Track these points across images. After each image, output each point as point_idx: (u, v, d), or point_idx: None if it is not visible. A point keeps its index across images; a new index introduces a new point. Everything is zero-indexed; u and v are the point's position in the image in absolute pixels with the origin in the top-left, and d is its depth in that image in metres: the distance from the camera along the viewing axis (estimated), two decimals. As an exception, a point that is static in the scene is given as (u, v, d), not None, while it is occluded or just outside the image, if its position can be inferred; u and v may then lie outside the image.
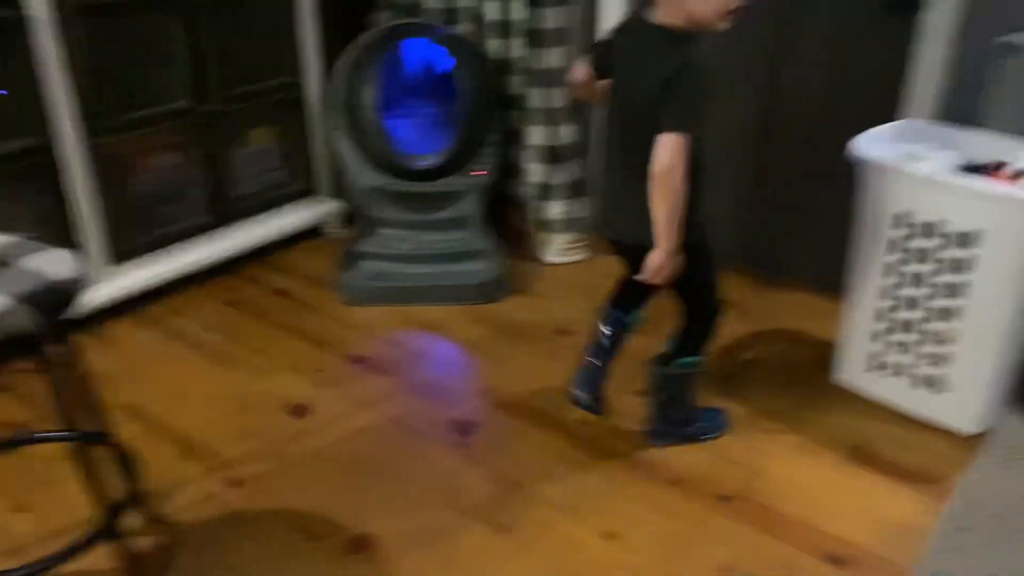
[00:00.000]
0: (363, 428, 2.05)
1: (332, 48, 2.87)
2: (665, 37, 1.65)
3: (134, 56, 2.38)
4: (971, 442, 1.99)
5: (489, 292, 2.58)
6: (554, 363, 2.29)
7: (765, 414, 2.10)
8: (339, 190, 2.97)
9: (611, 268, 2.77)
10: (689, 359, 1.95)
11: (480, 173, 2.77)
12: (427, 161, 2.77)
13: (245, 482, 1.88)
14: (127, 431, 2.00)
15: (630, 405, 2.10)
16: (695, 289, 1.89)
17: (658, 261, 1.68)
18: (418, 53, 3.10)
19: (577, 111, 2.88)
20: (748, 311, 2.55)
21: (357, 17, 3.07)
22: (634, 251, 1.76)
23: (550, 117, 2.75)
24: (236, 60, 2.60)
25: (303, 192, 2.93)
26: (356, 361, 2.31)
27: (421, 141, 2.92)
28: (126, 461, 1.67)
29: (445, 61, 2.87)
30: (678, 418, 2.01)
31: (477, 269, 2.64)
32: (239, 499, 1.83)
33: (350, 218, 2.98)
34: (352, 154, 2.80)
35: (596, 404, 2.04)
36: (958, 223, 1.84)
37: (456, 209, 2.71)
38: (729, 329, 2.42)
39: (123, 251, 2.47)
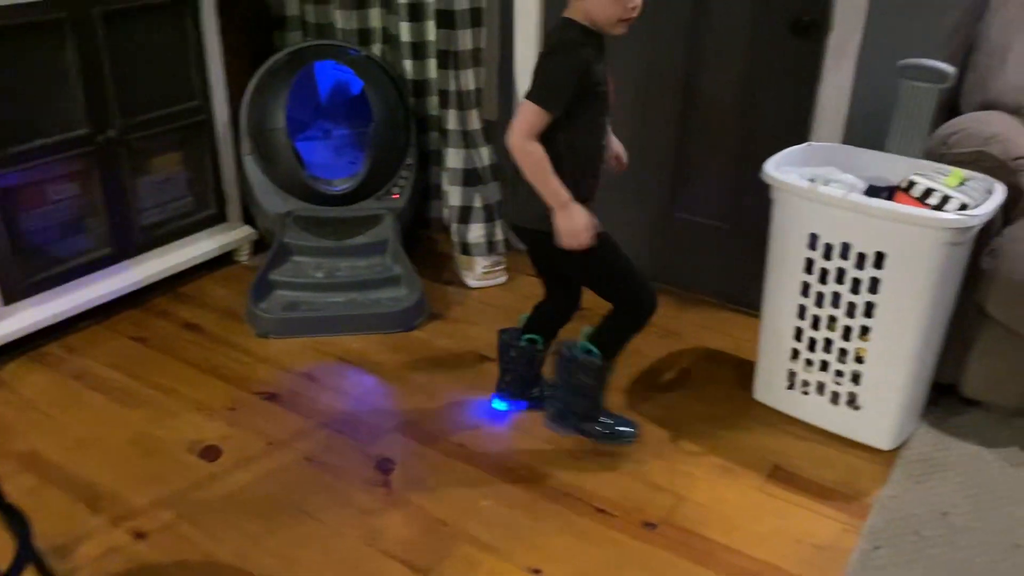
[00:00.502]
0: (278, 469, 1.97)
1: (240, 70, 2.78)
2: (561, 24, 1.77)
3: (23, 84, 2.25)
4: (888, 458, 2.02)
5: (408, 319, 2.53)
6: (476, 391, 2.25)
7: (687, 436, 2.10)
8: (250, 216, 2.87)
9: (533, 290, 2.77)
10: (599, 352, 1.96)
11: (395, 196, 2.73)
12: (340, 185, 2.71)
13: (152, 532, 1.77)
14: (22, 483, 1.88)
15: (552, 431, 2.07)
16: (607, 280, 1.93)
17: (561, 221, 1.75)
18: (330, 74, 3.04)
19: (493, 132, 2.86)
20: (668, 331, 2.55)
21: (265, 38, 2.99)
22: (532, 236, 1.88)
23: (468, 139, 2.71)
24: (138, 85, 2.49)
25: (213, 219, 2.83)
26: (270, 397, 2.22)
27: (334, 165, 2.86)
28: (15, 519, 1.56)
29: (357, 83, 2.82)
30: (576, 410, 2.04)
31: (395, 296, 2.58)
32: (147, 551, 1.73)
33: (262, 245, 2.89)
34: (262, 179, 2.72)
35: (530, 395, 2.17)
36: (864, 244, 1.88)
37: (372, 234, 2.65)
38: (649, 349, 2.44)
39: (15, 289, 2.33)
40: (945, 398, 2.17)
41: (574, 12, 1.74)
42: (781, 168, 2.03)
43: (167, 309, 2.63)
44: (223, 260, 2.88)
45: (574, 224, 1.75)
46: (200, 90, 2.67)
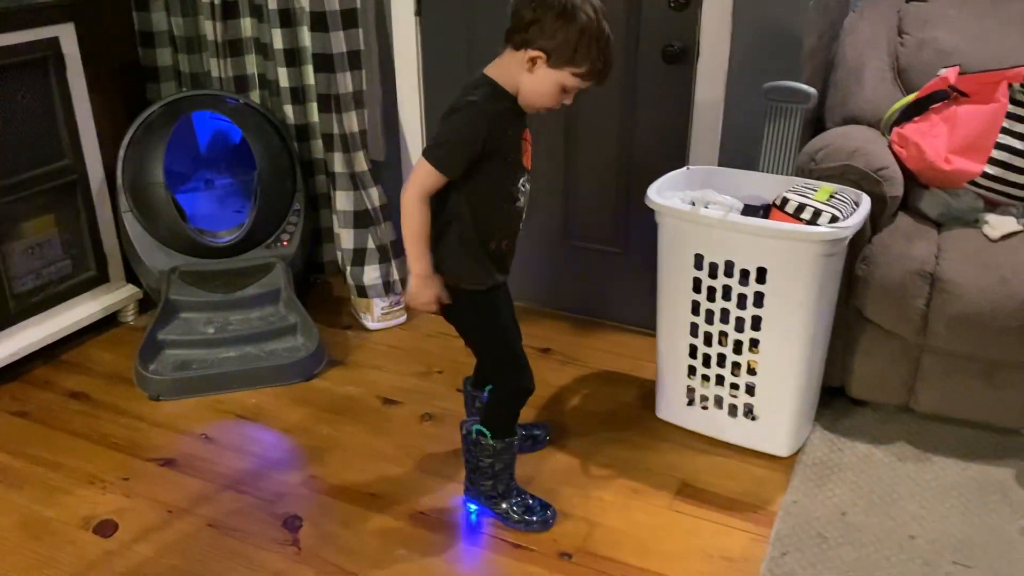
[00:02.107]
0: (180, 538, 1.88)
1: (113, 125, 2.69)
2: (475, 81, 1.68)
3: None
4: (787, 464, 2.09)
5: (307, 369, 2.47)
6: (383, 438, 2.22)
7: (596, 461, 2.12)
8: (133, 275, 2.77)
9: (435, 327, 2.77)
10: (485, 431, 1.86)
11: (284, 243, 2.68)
12: (226, 236, 2.65)
13: (45, 622, 1.67)
14: None
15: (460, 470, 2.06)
16: (483, 352, 1.90)
17: (412, 285, 1.76)
18: (209, 124, 2.98)
19: (382, 173, 2.85)
20: (569, 357, 2.58)
21: (138, 90, 2.90)
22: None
23: (356, 181, 2.69)
24: (1, 148, 2.37)
25: (93, 281, 2.71)
26: (167, 463, 2.13)
27: (219, 215, 2.79)
28: None
29: (238, 131, 2.76)
30: (482, 490, 1.92)
31: (292, 346, 2.52)
32: (39, 643, 1.63)
33: (148, 304, 2.79)
34: (143, 236, 2.63)
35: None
36: (746, 261, 1.95)
37: (263, 284, 2.59)
38: (552, 377, 2.47)
39: None
40: (835, 400, 2.27)
41: (498, 73, 1.66)
42: (663, 192, 2.09)
43: (49, 379, 2.50)
44: (107, 322, 2.76)
45: (421, 295, 1.74)
46: (70, 148, 2.56)
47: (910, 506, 1.94)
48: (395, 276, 2.76)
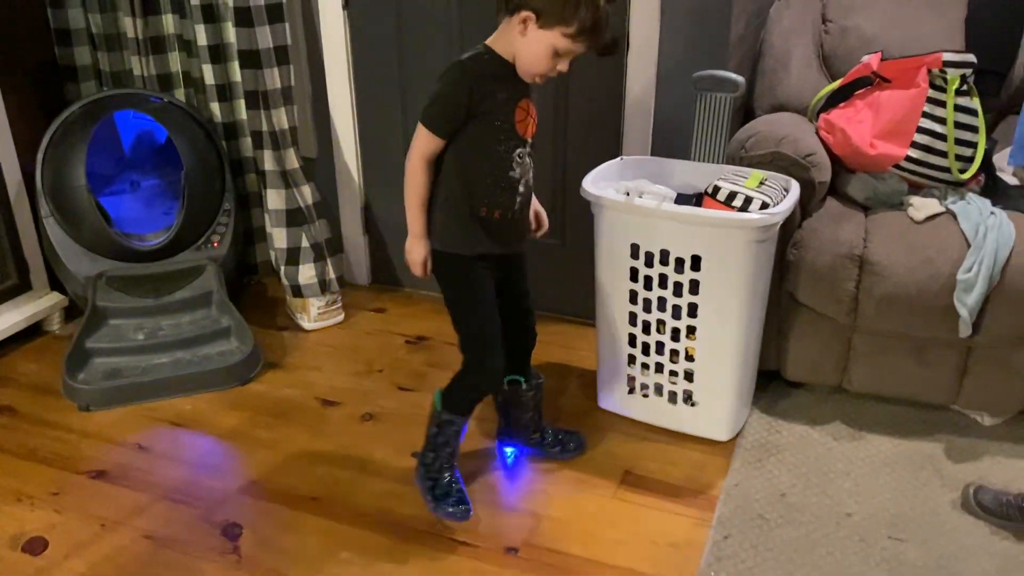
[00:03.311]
0: (115, 552, 1.82)
1: (30, 128, 2.59)
2: (473, 49, 1.71)
3: None
4: (727, 448, 2.12)
5: (242, 373, 2.42)
6: (323, 440, 2.18)
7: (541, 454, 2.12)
8: (58, 282, 2.67)
9: (373, 326, 2.74)
10: (443, 408, 1.88)
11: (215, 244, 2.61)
12: (154, 239, 2.57)
13: (-27, 647, 1.60)
14: None
15: (406, 466, 2.04)
16: (455, 322, 1.86)
17: (407, 246, 1.78)
18: (132, 124, 2.88)
19: (314, 170, 2.80)
20: (511, 351, 2.58)
21: (56, 91, 2.80)
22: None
23: (288, 179, 2.64)
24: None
25: (15, 289, 2.60)
26: (99, 475, 2.06)
27: (146, 218, 2.71)
28: None
29: (162, 131, 2.68)
30: (425, 459, 1.93)
31: (226, 349, 2.46)
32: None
33: (74, 311, 2.69)
34: (66, 241, 2.54)
35: (532, 442, 2.11)
36: (681, 249, 1.97)
37: (194, 287, 2.53)
38: (495, 373, 2.45)
39: None
40: (772, 384, 2.31)
41: (495, 40, 1.70)
42: (598, 183, 2.09)
43: (-30, 393, 2.40)
44: (32, 332, 2.66)
45: (412, 253, 1.78)
46: (-15, 152, 2.46)
47: (846, 484, 1.98)
48: (331, 275, 2.72)
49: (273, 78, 2.56)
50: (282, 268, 2.70)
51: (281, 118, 2.60)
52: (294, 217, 2.66)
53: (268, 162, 2.62)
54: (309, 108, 2.78)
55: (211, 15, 2.61)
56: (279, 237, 2.67)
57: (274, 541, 1.85)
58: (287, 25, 2.55)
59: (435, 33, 2.58)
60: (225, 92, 2.73)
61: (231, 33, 2.58)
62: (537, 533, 1.86)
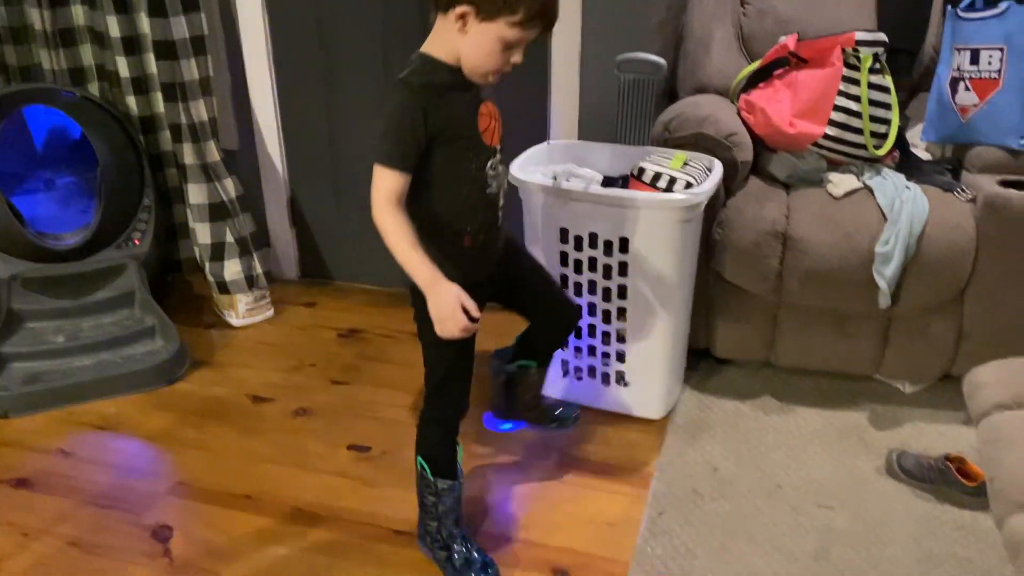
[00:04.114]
0: (39, 562, 1.76)
1: (-70, 125, 2.47)
2: (409, 64, 1.49)
3: None
4: (660, 426, 2.15)
5: (168, 372, 2.36)
6: (255, 437, 2.14)
7: (477, 440, 2.11)
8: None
9: (304, 320, 2.69)
10: (425, 465, 1.68)
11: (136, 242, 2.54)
12: (71, 238, 2.48)
13: None
14: None
15: (342, 459, 2.01)
16: (426, 361, 1.67)
17: (430, 305, 1.47)
18: (43, 120, 2.78)
19: (236, 162, 2.74)
20: (445, 339, 2.57)
21: (-42, 86, 2.67)
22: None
23: (209, 172, 2.58)
24: None
25: (-78, 295, 2.49)
26: (20, 483, 1.99)
27: (62, 217, 2.61)
28: None
29: (76, 127, 2.59)
30: (428, 529, 1.74)
31: (151, 349, 2.40)
32: None
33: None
34: (-24, 244, 2.43)
35: (530, 418, 2.09)
36: (608, 232, 1.98)
37: (115, 286, 2.45)
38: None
39: None
40: (702, 362, 2.35)
41: (431, 46, 1.47)
42: (525, 168, 2.09)
43: None
44: (-58, 339, 2.55)
45: (442, 307, 1.45)
46: None
47: (776, 456, 2.03)
48: (258, 269, 2.66)
49: (190, 69, 2.49)
50: (207, 264, 2.63)
51: (200, 110, 2.53)
52: (217, 211, 2.59)
53: (188, 156, 2.56)
54: (229, 99, 2.72)
55: (123, 5, 2.52)
56: (203, 232, 2.61)
57: (206, 542, 1.81)
58: (203, 14, 2.48)
59: (357, 19, 2.54)
60: (141, 85, 2.65)
61: (145, 24, 2.50)
62: (474, 517, 1.86)
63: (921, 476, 1.90)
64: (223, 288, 2.63)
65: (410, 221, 1.47)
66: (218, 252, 2.62)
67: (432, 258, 1.46)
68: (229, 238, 2.62)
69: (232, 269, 2.62)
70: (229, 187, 2.61)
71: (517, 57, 1.46)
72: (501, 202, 1.62)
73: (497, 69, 1.45)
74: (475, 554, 1.71)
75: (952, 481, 1.85)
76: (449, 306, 1.44)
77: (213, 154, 2.57)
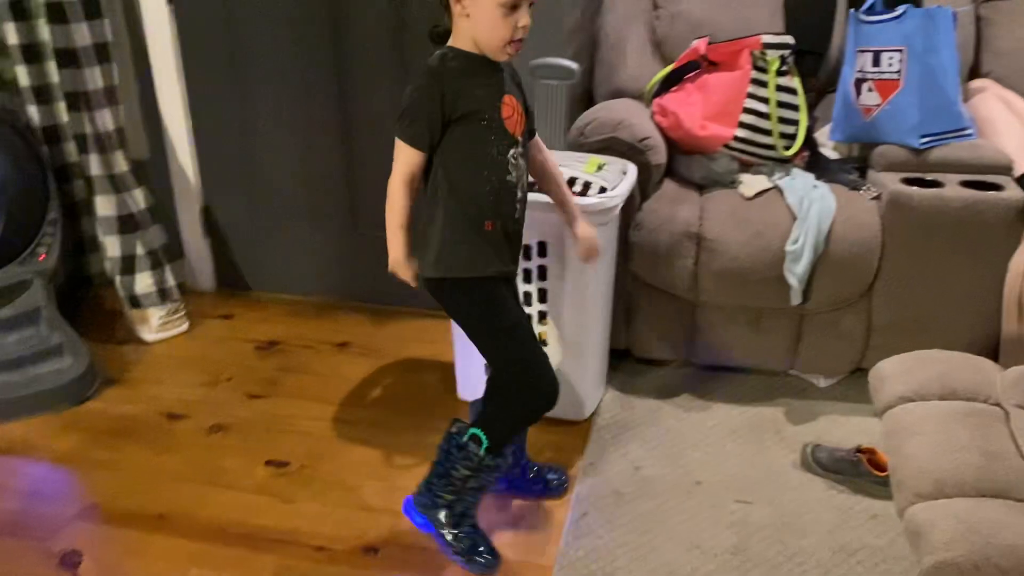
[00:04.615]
0: (-65, 597, 1.68)
1: None
2: (439, 51, 1.58)
3: None
4: (584, 428, 2.16)
5: (78, 391, 2.27)
6: (169, 456, 2.08)
7: (400, 451, 2.09)
8: None
9: (221, 332, 2.63)
10: (483, 437, 1.65)
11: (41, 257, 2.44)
12: (-30, 256, 2.37)
13: None
14: None
15: (259, 475, 1.97)
16: (488, 352, 1.69)
17: (391, 269, 1.63)
18: (-63, 131, 2.65)
19: (146, 172, 2.66)
20: (368, 349, 2.53)
21: None
22: (426, 286, 1.67)
23: (117, 183, 2.50)
24: None
25: None
26: (-85, 515, 1.89)
27: (-41, 233, 2.49)
28: None
29: (-28, 137, 2.47)
30: (438, 501, 1.70)
31: (58, 368, 2.30)
32: None
33: None
34: None
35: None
36: (527, 236, 1.96)
37: (20, 304, 2.35)
38: (350, 371, 2.41)
39: None
40: (623, 362, 2.37)
41: (456, 39, 1.57)
42: (442, 174, 2.08)
43: None
44: None
45: (401, 275, 1.64)
46: None
47: (696, 453, 2.06)
48: (171, 282, 2.59)
49: (95, 78, 2.41)
50: (117, 278, 2.55)
51: (106, 120, 2.45)
52: (126, 224, 2.51)
53: (95, 167, 2.47)
54: (137, 108, 2.64)
55: (21, 12, 2.43)
56: (112, 245, 2.52)
57: (118, 566, 1.75)
58: (106, 21, 2.41)
59: (267, 21, 2.49)
60: (43, 94, 2.54)
61: (45, 31, 2.41)
62: (397, 531, 1.83)
63: (835, 468, 1.95)
64: (135, 302, 2.55)
65: (427, 202, 1.59)
66: (129, 265, 2.54)
67: (454, 242, 1.59)
68: (140, 250, 2.54)
69: (144, 282, 2.54)
70: (139, 198, 2.53)
71: (524, 19, 1.50)
72: (519, 194, 1.65)
73: (509, 37, 1.51)
74: (480, 538, 1.71)
75: (864, 472, 1.90)
76: (406, 273, 1.61)
77: (121, 165, 2.49)
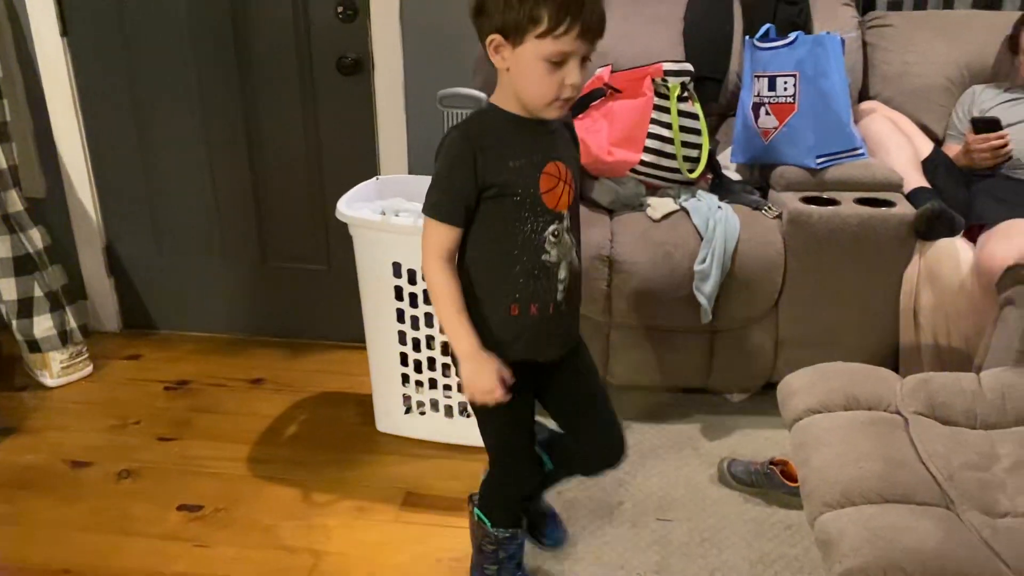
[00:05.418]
0: None
1: None
2: (479, 109, 1.45)
3: None
4: (504, 455, 2.15)
5: (-27, 443, 2.16)
6: (74, 505, 1.99)
7: (317, 487, 2.05)
8: None
9: (125, 374, 2.53)
10: (483, 517, 1.65)
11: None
12: None
13: None
14: None
15: (171, 521, 1.90)
16: (480, 430, 1.58)
17: (463, 372, 1.40)
18: None
19: (43, 211, 2.56)
20: (282, 384, 2.48)
21: None
22: None
23: (12, 223, 2.39)
24: None
25: None
26: None
27: None
28: None
29: None
30: (487, 574, 1.69)
31: (-49, 420, 2.19)
32: None
33: None
34: None
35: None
36: (409, 259, 1.98)
37: (-94, 354, 2.22)
38: (267, 407, 2.36)
39: None
40: (543, 387, 2.38)
41: (497, 96, 1.38)
42: (353, 204, 2.07)
43: None
44: None
45: (476, 380, 1.39)
46: None
47: (617, 474, 2.06)
48: (72, 324, 2.49)
49: (-15, 113, 2.31)
50: (14, 322, 2.43)
51: (-1, 157, 2.36)
52: (23, 265, 2.40)
53: (-13, 206, 2.37)
54: (32, 145, 2.54)
55: (-98, 46, 2.32)
56: (7, 288, 2.40)
57: (19, 627, 1.66)
58: (-4, 55, 2.32)
59: (167, 51, 2.44)
60: (-70, 130, 2.44)
61: (-72, 66, 2.31)
62: (317, 571, 1.80)
63: (750, 481, 2.00)
64: (34, 346, 2.44)
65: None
66: (26, 308, 2.43)
67: (476, 324, 1.39)
68: (38, 292, 2.43)
69: (43, 325, 2.43)
70: (35, 238, 2.43)
71: (572, 76, 1.30)
72: (563, 275, 1.43)
73: (554, 95, 1.31)
74: None
75: (778, 484, 1.95)
76: (485, 382, 1.38)
77: (15, 203, 2.39)
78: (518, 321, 1.41)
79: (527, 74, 1.30)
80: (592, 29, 1.29)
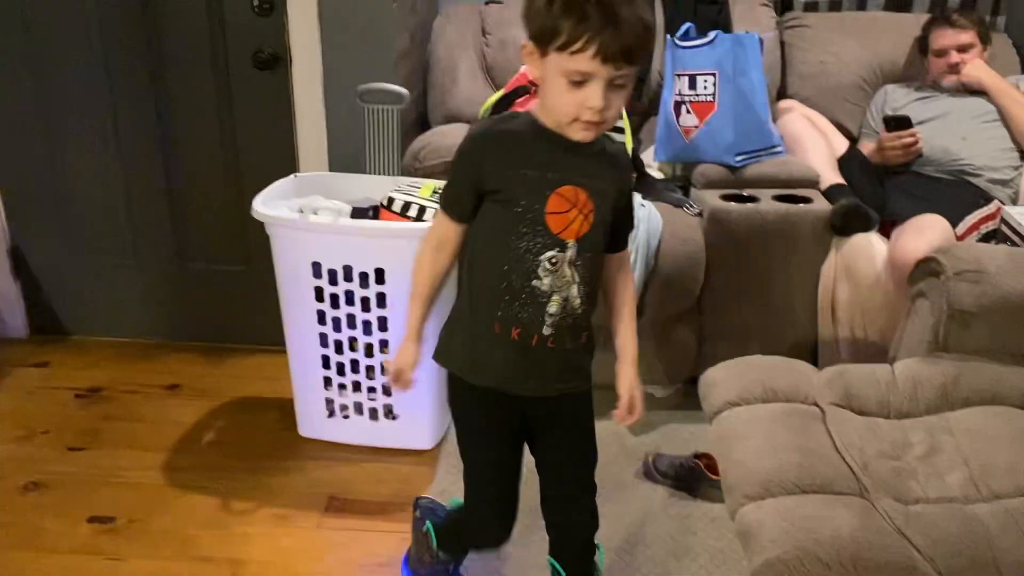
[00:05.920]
0: None
1: None
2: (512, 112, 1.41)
3: None
4: (432, 456, 2.13)
5: None
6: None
7: (236, 496, 1.98)
8: None
9: (33, 383, 2.42)
10: (432, 533, 1.64)
11: None
12: None
13: None
14: None
15: (83, 534, 1.82)
16: (460, 455, 1.51)
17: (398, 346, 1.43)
18: None
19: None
20: (199, 390, 2.40)
21: None
22: None
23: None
24: None
25: None
26: None
27: None
28: None
29: None
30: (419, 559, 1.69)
31: None
32: None
33: None
34: None
35: None
36: (363, 263, 1.95)
37: None
38: (184, 415, 2.29)
39: None
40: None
41: (538, 104, 1.31)
42: (270, 202, 2.02)
43: None
44: None
45: (396, 359, 1.42)
46: None
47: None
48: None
49: None
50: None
51: None
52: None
53: None
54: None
55: None
56: (-98, 294, 2.28)
57: (-87, 653, 1.57)
58: None
59: (73, 43, 2.34)
60: None
61: None
62: (237, 578, 1.75)
63: (675, 475, 2.01)
64: (-68, 355, 2.32)
65: (459, 273, 1.39)
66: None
67: (453, 335, 1.39)
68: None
69: (-58, 333, 2.31)
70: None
71: (594, 99, 1.19)
72: (552, 308, 1.31)
73: (573, 114, 1.22)
74: None
75: (702, 477, 1.97)
76: (402, 361, 1.41)
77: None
78: (499, 340, 1.33)
79: (549, 87, 1.24)
80: (613, 55, 1.17)
